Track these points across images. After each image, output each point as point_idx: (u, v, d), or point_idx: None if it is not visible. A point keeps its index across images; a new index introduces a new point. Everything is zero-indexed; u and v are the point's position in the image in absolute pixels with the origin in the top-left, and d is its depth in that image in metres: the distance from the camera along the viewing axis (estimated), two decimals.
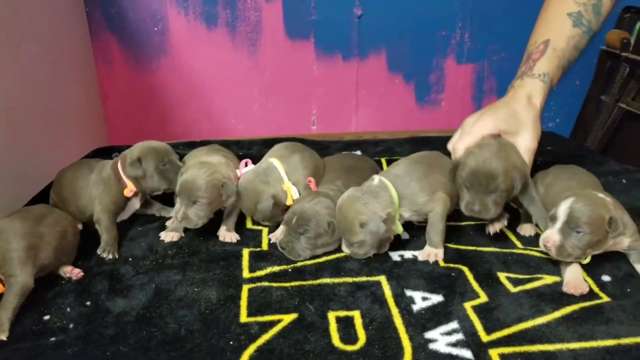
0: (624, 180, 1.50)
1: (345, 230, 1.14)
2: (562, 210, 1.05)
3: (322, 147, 1.82)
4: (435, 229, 1.19)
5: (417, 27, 2.52)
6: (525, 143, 1.19)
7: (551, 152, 1.74)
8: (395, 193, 1.17)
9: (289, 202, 1.28)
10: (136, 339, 0.93)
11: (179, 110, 2.51)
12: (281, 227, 1.25)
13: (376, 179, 1.19)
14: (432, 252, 1.17)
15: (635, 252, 1.11)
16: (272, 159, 1.33)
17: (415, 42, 2.53)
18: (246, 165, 1.33)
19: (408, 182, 1.19)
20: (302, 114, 2.64)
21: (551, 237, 1.05)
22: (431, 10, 2.50)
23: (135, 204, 1.32)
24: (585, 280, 1.07)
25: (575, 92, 2.65)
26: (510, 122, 1.19)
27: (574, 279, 1.06)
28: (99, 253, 1.19)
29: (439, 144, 1.81)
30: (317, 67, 2.55)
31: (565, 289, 1.04)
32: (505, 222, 1.20)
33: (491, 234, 1.20)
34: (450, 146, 1.26)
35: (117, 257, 1.18)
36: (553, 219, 1.07)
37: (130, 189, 1.26)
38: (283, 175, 1.30)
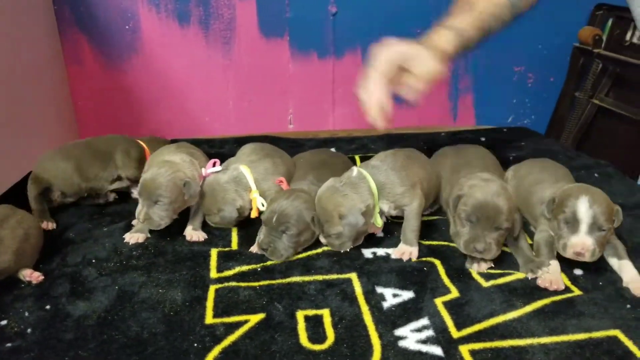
0: (596, 174, 1.50)
1: (324, 222, 1.13)
2: (584, 212, 1.03)
3: (296, 145, 1.80)
4: (411, 226, 1.17)
5: (392, 25, 2.50)
6: (422, 68, 1.14)
7: (524, 147, 1.74)
8: (374, 185, 1.15)
9: (253, 214, 1.25)
10: (96, 343, 0.90)
11: (151, 109, 2.47)
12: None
13: (355, 170, 1.18)
14: (406, 250, 1.15)
15: (610, 246, 1.11)
16: (242, 167, 1.28)
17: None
18: (214, 165, 1.29)
19: (386, 171, 1.18)
20: (278, 113, 2.61)
21: (585, 243, 1.02)
22: (406, 8, 2.49)
23: None
24: None
25: (550, 88, 2.66)
26: (411, 47, 1.16)
27: (553, 274, 1.05)
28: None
29: (413, 141, 1.81)
30: (293, 65, 2.53)
31: (539, 282, 1.04)
32: (492, 263, 1.11)
33: (475, 272, 1.10)
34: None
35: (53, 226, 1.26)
36: (571, 221, 1.04)
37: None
38: (251, 184, 1.26)
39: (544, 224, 1.13)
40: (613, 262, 1.10)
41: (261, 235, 1.17)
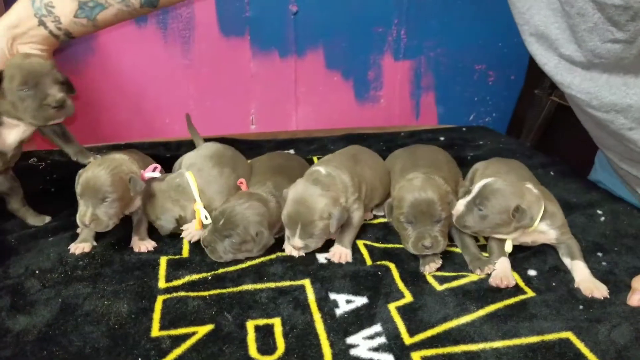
0: (551, 172, 1.51)
1: (309, 223, 1.10)
2: (477, 186, 1.08)
3: (255, 147, 1.77)
4: (350, 232, 1.18)
5: (353, 23, 2.49)
6: None
7: (483, 146, 1.74)
8: (340, 183, 1.18)
9: (196, 226, 1.20)
10: (35, 359, 0.86)
11: (109, 111, 2.40)
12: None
13: (322, 169, 1.19)
14: (342, 253, 1.14)
15: (564, 246, 1.11)
16: (187, 173, 1.24)
17: (352, 39, 2.51)
18: (154, 170, 1.21)
19: (345, 174, 1.20)
20: (240, 113, 2.57)
21: (457, 206, 1.09)
22: (367, 6, 2.48)
23: (7, 136, 1.14)
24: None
25: (511, 86, 2.68)
26: None
27: (502, 271, 1.05)
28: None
29: (373, 140, 1.80)
30: (254, 64, 2.49)
31: (491, 280, 1.04)
32: (440, 262, 1.11)
33: (427, 274, 1.08)
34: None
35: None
36: (468, 192, 1.10)
37: None
38: (195, 195, 1.21)
39: None
40: (566, 261, 1.10)
41: (206, 231, 1.14)
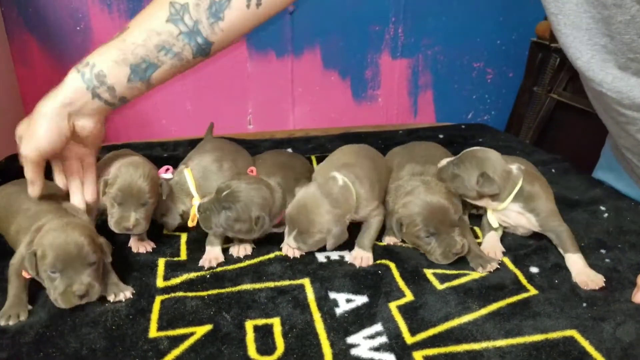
0: (552, 170, 1.50)
1: (305, 231, 1.09)
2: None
3: (252, 146, 1.75)
4: (370, 235, 1.15)
5: (350, 22, 2.48)
6: (32, 145, 1.01)
7: (482, 143, 1.73)
8: (355, 198, 1.13)
9: (190, 222, 1.19)
10: None
11: None
12: (247, 246, 1.16)
13: (340, 179, 1.13)
14: (364, 256, 1.11)
15: (554, 236, 1.11)
16: (185, 170, 1.23)
17: (349, 38, 2.50)
18: (166, 171, 1.22)
19: (365, 185, 1.15)
20: (237, 114, 2.56)
21: (442, 161, 1.17)
22: (364, 5, 2.47)
23: None
24: (513, 272, 1.06)
25: (509, 84, 2.67)
26: (25, 129, 1.02)
27: (489, 245, 1.13)
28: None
29: (371, 139, 1.79)
30: (251, 64, 2.49)
31: (485, 250, 1.11)
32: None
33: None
34: None
35: (22, 319, 0.95)
36: None
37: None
38: (192, 190, 1.21)
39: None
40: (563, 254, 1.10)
41: (206, 199, 1.14)
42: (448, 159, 1.17)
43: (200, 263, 1.10)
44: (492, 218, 1.16)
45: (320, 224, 1.08)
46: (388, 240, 1.16)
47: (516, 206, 1.12)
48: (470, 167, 1.10)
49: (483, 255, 1.09)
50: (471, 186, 1.10)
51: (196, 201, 1.19)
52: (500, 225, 1.17)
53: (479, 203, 1.15)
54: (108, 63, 1.02)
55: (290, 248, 1.13)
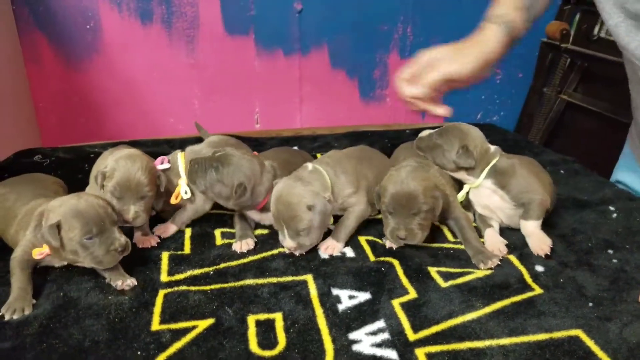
0: (562, 171, 1.48)
1: (291, 219, 1.08)
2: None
3: (258, 144, 1.75)
4: (346, 227, 1.16)
5: (358, 21, 2.48)
6: (449, 68, 1.11)
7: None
8: (328, 179, 1.15)
9: (173, 199, 1.20)
10: (34, 352, 0.84)
11: (114, 110, 2.41)
12: (249, 241, 1.16)
13: (309, 166, 1.17)
14: (332, 245, 1.13)
15: (524, 207, 1.15)
16: (179, 153, 1.25)
17: (357, 37, 2.50)
18: (162, 162, 1.22)
19: (338, 173, 1.18)
20: (244, 112, 2.57)
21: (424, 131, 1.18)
22: (372, 4, 2.47)
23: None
24: (519, 270, 1.05)
25: (519, 85, 2.66)
26: (450, 53, 1.13)
27: (491, 242, 1.13)
28: (2, 312, 0.94)
29: (377, 138, 1.78)
30: (259, 63, 2.49)
31: (489, 248, 1.11)
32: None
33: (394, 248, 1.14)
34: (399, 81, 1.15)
35: (29, 311, 0.94)
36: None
37: (41, 251, 1.01)
38: (181, 171, 1.21)
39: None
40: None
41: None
42: (430, 131, 1.19)
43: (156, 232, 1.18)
44: (462, 192, 1.21)
45: (298, 203, 1.08)
46: (389, 244, 1.15)
47: (489, 182, 1.15)
48: (453, 138, 1.15)
49: (485, 251, 1.09)
50: (450, 157, 1.15)
51: (182, 181, 1.20)
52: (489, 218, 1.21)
53: (456, 175, 1.19)
54: (512, 10, 1.16)
55: (331, 247, 1.13)
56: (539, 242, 1.10)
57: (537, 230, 1.12)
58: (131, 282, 1.01)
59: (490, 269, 1.05)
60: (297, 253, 1.11)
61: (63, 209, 0.99)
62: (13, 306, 0.95)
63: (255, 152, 1.26)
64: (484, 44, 1.15)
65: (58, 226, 0.97)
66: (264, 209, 1.17)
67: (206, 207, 1.24)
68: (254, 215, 1.20)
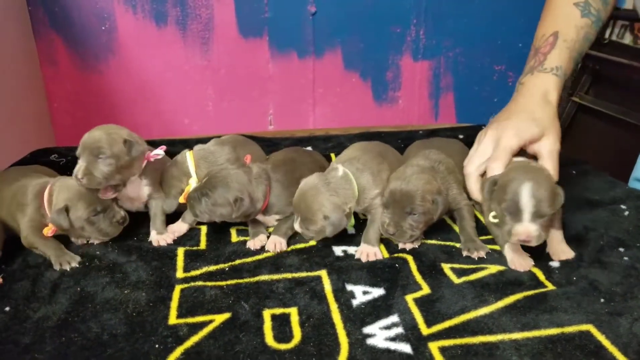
0: (573, 172, 1.49)
1: (306, 218, 1.12)
2: (526, 201, 0.97)
3: (272, 145, 1.77)
4: (375, 228, 1.17)
5: (371, 24, 2.50)
6: (549, 147, 1.07)
7: None
8: (356, 187, 1.16)
9: (181, 199, 1.22)
10: (54, 345, 0.87)
11: (128, 111, 2.44)
12: (262, 237, 1.18)
13: (340, 170, 1.17)
14: (370, 251, 1.13)
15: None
16: (188, 152, 1.27)
17: (370, 40, 2.51)
18: (160, 149, 1.24)
19: (366, 175, 1.18)
20: (258, 113, 2.59)
21: (529, 231, 0.97)
22: (385, 6, 2.48)
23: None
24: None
25: None
26: (532, 129, 1.06)
27: (517, 255, 1.07)
28: (57, 269, 1.08)
29: (390, 138, 1.79)
30: (273, 65, 2.51)
31: (512, 267, 1.06)
32: (417, 244, 1.15)
33: (407, 249, 1.15)
34: (470, 169, 1.11)
35: (77, 261, 1.09)
36: (514, 211, 0.98)
37: (50, 229, 1.13)
38: (191, 170, 1.24)
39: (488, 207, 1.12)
40: None
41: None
42: (531, 228, 0.98)
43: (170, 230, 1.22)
44: None
45: (318, 211, 1.11)
46: (402, 245, 1.15)
47: None
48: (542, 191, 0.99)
49: (476, 240, 1.14)
50: (551, 210, 1.00)
51: (192, 180, 1.23)
52: None
53: None
54: (566, 62, 1.17)
55: (365, 253, 1.13)
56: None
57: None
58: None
59: (483, 258, 1.10)
60: (273, 248, 1.16)
61: (67, 194, 1.12)
62: (59, 260, 1.08)
63: (249, 156, 1.28)
64: (551, 99, 1.13)
65: (66, 209, 1.10)
66: (266, 211, 1.20)
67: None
68: (259, 218, 1.23)
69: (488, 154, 1.08)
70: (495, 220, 1.04)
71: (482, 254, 1.10)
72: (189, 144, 1.78)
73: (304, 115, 2.63)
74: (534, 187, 0.97)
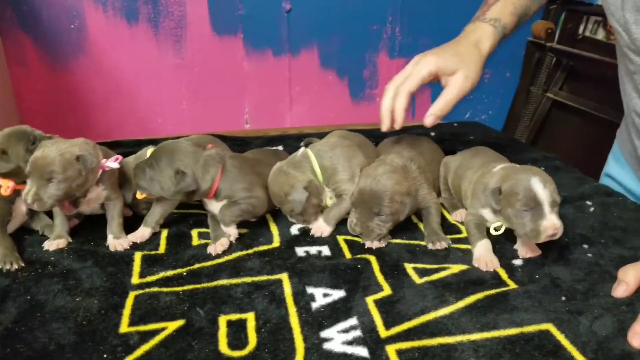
0: (542, 168, 1.47)
1: (279, 203, 1.19)
2: (541, 193, 0.98)
3: (243, 143, 1.74)
4: (335, 209, 1.19)
5: (347, 21, 2.48)
6: (457, 81, 1.16)
7: (474, 140, 1.71)
8: (317, 164, 1.20)
9: (138, 195, 1.20)
10: None
11: (100, 111, 2.40)
12: (223, 241, 1.15)
13: (301, 150, 1.23)
14: (323, 229, 1.17)
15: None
16: (148, 150, 1.23)
17: (347, 37, 2.50)
18: (115, 160, 1.16)
19: (331, 157, 1.21)
20: (234, 112, 2.57)
21: (555, 223, 0.98)
22: (361, 4, 2.47)
23: (21, 207, 1.16)
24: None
25: (506, 84, 2.66)
26: (450, 61, 1.16)
27: (485, 254, 1.06)
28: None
29: (366, 136, 1.77)
30: (248, 63, 2.49)
31: (476, 264, 1.04)
32: (384, 243, 1.14)
33: (373, 247, 1.13)
34: (389, 86, 1.21)
35: (21, 265, 1.05)
36: (533, 206, 0.99)
37: (6, 185, 1.11)
38: None
39: (472, 207, 1.13)
40: None
41: None
42: (556, 221, 1.00)
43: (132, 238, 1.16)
44: None
45: (280, 191, 1.17)
46: (369, 244, 1.13)
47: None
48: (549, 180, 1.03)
49: (439, 233, 1.14)
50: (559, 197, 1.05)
51: None
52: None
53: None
54: (507, 16, 1.24)
55: (319, 229, 1.18)
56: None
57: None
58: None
59: (444, 249, 1.11)
60: (318, 233, 1.18)
61: None
62: (5, 259, 1.05)
63: (212, 145, 1.25)
64: (482, 49, 1.21)
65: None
66: (217, 196, 1.16)
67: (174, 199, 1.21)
68: (211, 206, 1.19)
69: (407, 74, 1.18)
70: (498, 233, 1.08)
71: (444, 245, 1.11)
72: (156, 144, 1.74)
73: (281, 114, 2.61)
74: (541, 178, 1.00)
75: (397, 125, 1.21)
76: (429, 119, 1.19)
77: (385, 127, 1.22)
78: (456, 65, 1.16)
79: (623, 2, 1.04)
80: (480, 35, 1.21)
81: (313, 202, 1.17)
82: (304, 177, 1.18)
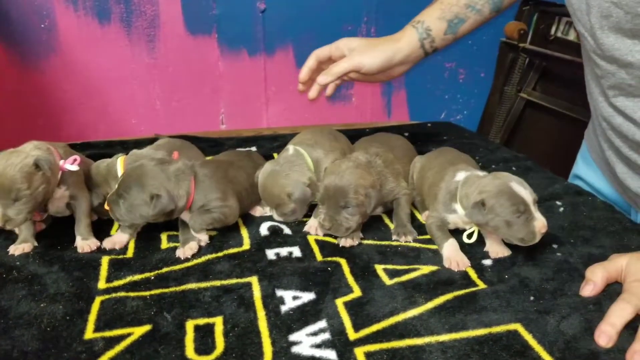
0: (513, 168, 1.49)
1: (277, 205, 1.20)
2: (526, 195, 1.00)
3: (216, 145, 1.73)
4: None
5: (322, 21, 2.48)
6: (359, 58, 1.27)
7: (446, 141, 1.72)
8: (310, 160, 1.24)
9: (106, 205, 1.15)
10: None
11: (72, 111, 2.36)
12: (192, 245, 1.12)
13: (291, 148, 1.26)
14: (314, 225, 1.19)
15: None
16: (119, 158, 1.22)
17: (322, 37, 2.45)
18: (73, 162, 1.12)
19: (318, 150, 1.26)
20: (209, 113, 2.55)
21: (544, 220, 1.01)
22: (336, 4, 2.47)
23: None
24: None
25: (481, 84, 2.68)
26: (361, 43, 1.30)
27: (455, 254, 1.06)
28: None
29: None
30: (223, 63, 2.47)
31: (446, 265, 1.04)
32: (357, 242, 1.14)
33: (347, 245, 1.13)
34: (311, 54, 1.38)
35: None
36: (522, 210, 0.98)
37: None
38: (119, 173, 1.18)
39: (434, 210, 1.14)
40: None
41: None
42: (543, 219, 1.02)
43: (106, 246, 1.13)
44: None
45: (281, 193, 1.19)
46: (343, 242, 1.13)
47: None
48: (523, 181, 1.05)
49: (407, 225, 1.17)
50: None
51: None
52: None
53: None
54: (433, 20, 1.29)
55: (313, 227, 1.19)
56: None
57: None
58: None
59: (414, 250, 1.11)
60: (314, 232, 1.19)
61: None
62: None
63: (177, 153, 1.24)
64: (397, 43, 1.29)
65: None
66: (190, 208, 1.14)
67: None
68: (183, 215, 1.16)
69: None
70: (470, 241, 1.09)
71: (410, 238, 1.13)
72: (127, 145, 1.72)
73: (257, 114, 2.60)
74: (517, 180, 1.02)
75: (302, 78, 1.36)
76: (320, 78, 1.31)
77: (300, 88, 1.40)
78: (364, 49, 1.28)
79: (589, 7, 1.05)
80: (402, 34, 1.30)
81: (306, 201, 1.21)
82: (304, 176, 1.21)
